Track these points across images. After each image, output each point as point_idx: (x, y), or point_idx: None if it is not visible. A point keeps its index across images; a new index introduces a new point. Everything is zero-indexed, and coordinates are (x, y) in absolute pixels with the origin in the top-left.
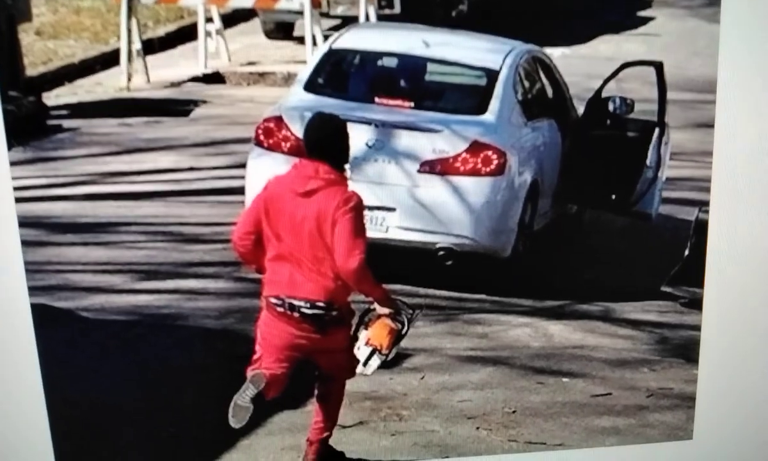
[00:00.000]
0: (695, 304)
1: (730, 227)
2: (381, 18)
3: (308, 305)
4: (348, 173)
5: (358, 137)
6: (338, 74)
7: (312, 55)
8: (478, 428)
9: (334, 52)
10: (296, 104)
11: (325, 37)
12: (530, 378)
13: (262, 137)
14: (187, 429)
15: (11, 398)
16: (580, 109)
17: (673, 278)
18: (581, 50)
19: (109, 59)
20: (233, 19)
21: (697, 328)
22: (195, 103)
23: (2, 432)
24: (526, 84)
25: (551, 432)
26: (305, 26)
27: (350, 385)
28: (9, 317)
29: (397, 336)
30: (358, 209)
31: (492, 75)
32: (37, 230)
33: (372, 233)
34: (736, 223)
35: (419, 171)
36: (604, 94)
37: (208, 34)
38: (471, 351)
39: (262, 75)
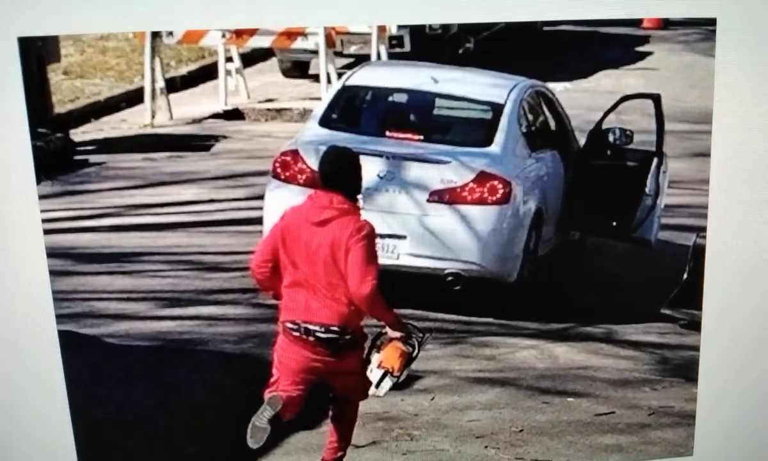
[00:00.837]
0: (694, 326)
1: (727, 251)
2: (392, 56)
3: (323, 329)
4: (361, 203)
5: (370, 169)
6: (351, 110)
7: (326, 92)
8: (486, 446)
9: (348, 89)
10: (311, 139)
11: (339, 75)
12: (536, 398)
13: (279, 170)
14: (207, 450)
15: (39, 420)
16: (582, 140)
17: (672, 300)
18: (582, 84)
19: (134, 97)
20: (252, 58)
21: (696, 348)
22: (216, 138)
23: (31, 454)
24: (530, 117)
25: (557, 449)
26: (320, 65)
27: (363, 406)
28: (37, 343)
29: (408, 359)
30: (370, 237)
31: (497, 109)
32: (65, 260)
33: (384, 259)
34: (732, 247)
35: (428, 200)
36: (604, 126)
37: (228, 72)
38: (479, 372)
39: (279, 111)
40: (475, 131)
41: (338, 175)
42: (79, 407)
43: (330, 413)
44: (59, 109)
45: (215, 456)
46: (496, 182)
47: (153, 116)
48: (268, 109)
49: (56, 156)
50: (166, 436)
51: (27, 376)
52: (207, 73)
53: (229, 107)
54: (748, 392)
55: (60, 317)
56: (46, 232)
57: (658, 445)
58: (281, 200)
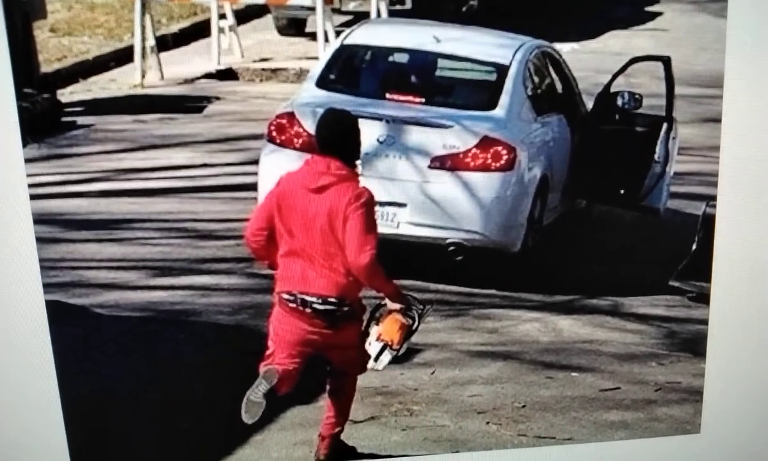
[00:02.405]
0: (703, 298)
1: (737, 221)
2: (392, 14)
3: (320, 300)
4: (359, 169)
5: (369, 133)
6: (350, 70)
7: (324, 52)
8: (488, 422)
9: (346, 48)
10: (308, 101)
11: (337, 33)
12: (540, 372)
13: (274, 134)
14: (200, 425)
15: (26, 393)
16: (589, 104)
17: (680, 272)
18: (590, 45)
19: (123, 56)
20: (246, 15)
21: (704, 322)
22: (208, 99)
23: (18, 427)
24: (536, 79)
25: (560, 426)
26: (317, 22)
27: (361, 380)
28: (24, 313)
29: (407, 332)
30: (369, 204)
31: (502, 70)
32: (52, 226)
33: (383, 228)
34: (742, 217)
35: (430, 167)
36: (612, 89)
37: (221, 30)
38: (481, 346)
39: (274, 71)
40: (478, 93)
41: (336, 139)
42: (67, 379)
43: (327, 387)
44: (46, 68)
45: (209, 431)
46: (500, 148)
47: (143, 76)
48: (263, 69)
49: (43, 118)
50: (158, 410)
51: (13, 348)
52: (199, 31)
53: (222, 67)
54: (757, 367)
55: (47, 287)
56: (33, 197)
57: (664, 422)
58: (277, 166)
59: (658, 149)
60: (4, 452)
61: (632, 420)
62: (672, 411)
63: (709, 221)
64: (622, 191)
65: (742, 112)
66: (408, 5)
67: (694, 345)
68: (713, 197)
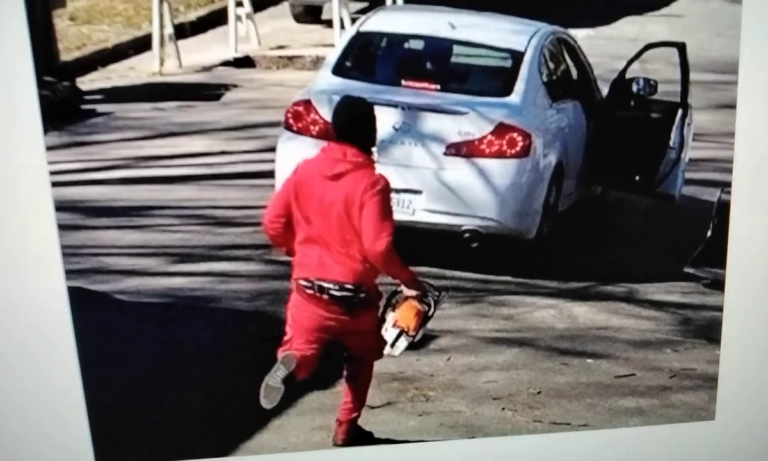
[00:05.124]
0: (718, 285)
1: (752, 207)
2: (408, 0)
3: (337, 287)
4: (375, 156)
5: (385, 120)
6: (365, 57)
7: (340, 39)
8: (503, 408)
9: (362, 35)
10: (324, 88)
11: (353, 20)
12: (555, 359)
13: (291, 121)
14: (219, 409)
15: (49, 378)
16: (605, 90)
17: (695, 259)
18: (605, 31)
19: (142, 44)
20: (262, 3)
21: (719, 309)
22: (226, 87)
23: (40, 412)
24: (551, 66)
25: (576, 412)
26: (333, 9)
27: (378, 366)
28: (46, 300)
29: (423, 318)
30: (385, 192)
31: (517, 57)
32: (73, 214)
33: (399, 215)
34: (757, 203)
35: (445, 154)
36: (627, 76)
37: (238, 18)
38: (496, 332)
39: (291, 59)
40: (493, 79)
41: (352, 126)
42: (89, 364)
43: (344, 373)
44: (65, 56)
45: (228, 416)
46: (515, 134)
47: (162, 64)
48: (280, 57)
49: (63, 105)
50: (178, 395)
51: (36, 333)
52: (217, 19)
53: (239, 55)
54: None
55: (69, 273)
56: (54, 184)
57: (679, 409)
58: (294, 153)
59: (673, 135)
60: (28, 436)
61: (647, 407)
62: (687, 397)
63: (724, 207)
64: (637, 178)
65: (757, 98)
66: None
67: (708, 332)
68: (728, 184)
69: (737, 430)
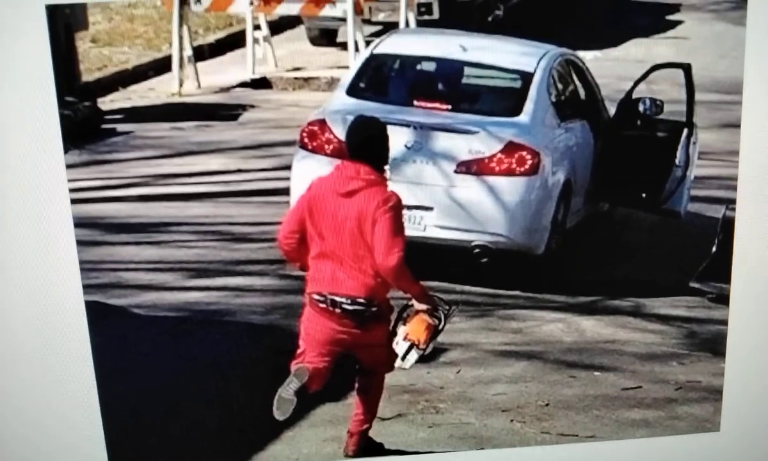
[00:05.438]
0: (722, 299)
1: (756, 223)
2: (420, 24)
3: (349, 301)
4: (388, 174)
5: (398, 139)
6: (379, 79)
7: (354, 61)
8: (512, 420)
9: (375, 57)
10: (339, 108)
11: (367, 43)
12: (563, 371)
13: (306, 140)
14: (233, 421)
15: (67, 391)
16: (612, 110)
17: (701, 274)
18: (613, 53)
19: (162, 65)
20: (280, 26)
21: (724, 323)
22: (243, 107)
23: (57, 423)
24: (560, 86)
25: (583, 424)
26: (348, 32)
27: (389, 379)
28: (64, 313)
29: (434, 332)
30: (397, 208)
31: (526, 78)
32: (92, 230)
33: (410, 231)
34: (761, 220)
35: (456, 171)
36: (634, 96)
37: (255, 41)
38: (505, 345)
39: (306, 80)
40: (503, 100)
41: (365, 145)
42: (105, 377)
43: (356, 385)
44: (87, 77)
45: (242, 427)
46: (524, 153)
47: (181, 85)
48: (296, 78)
49: (84, 125)
50: (193, 408)
51: (54, 347)
52: (235, 42)
53: (256, 76)
54: None
55: (87, 288)
56: (74, 201)
57: (684, 420)
58: (308, 171)
59: (679, 153)
60: (46, 448)
61: (653, 418)
62: (692, 409)
63: (728, 224)
64: (643, 195)
65: (761, 118)
66: (435, 15)
67: (713, 345)
68: (733, 201)
69: (742, 442)
